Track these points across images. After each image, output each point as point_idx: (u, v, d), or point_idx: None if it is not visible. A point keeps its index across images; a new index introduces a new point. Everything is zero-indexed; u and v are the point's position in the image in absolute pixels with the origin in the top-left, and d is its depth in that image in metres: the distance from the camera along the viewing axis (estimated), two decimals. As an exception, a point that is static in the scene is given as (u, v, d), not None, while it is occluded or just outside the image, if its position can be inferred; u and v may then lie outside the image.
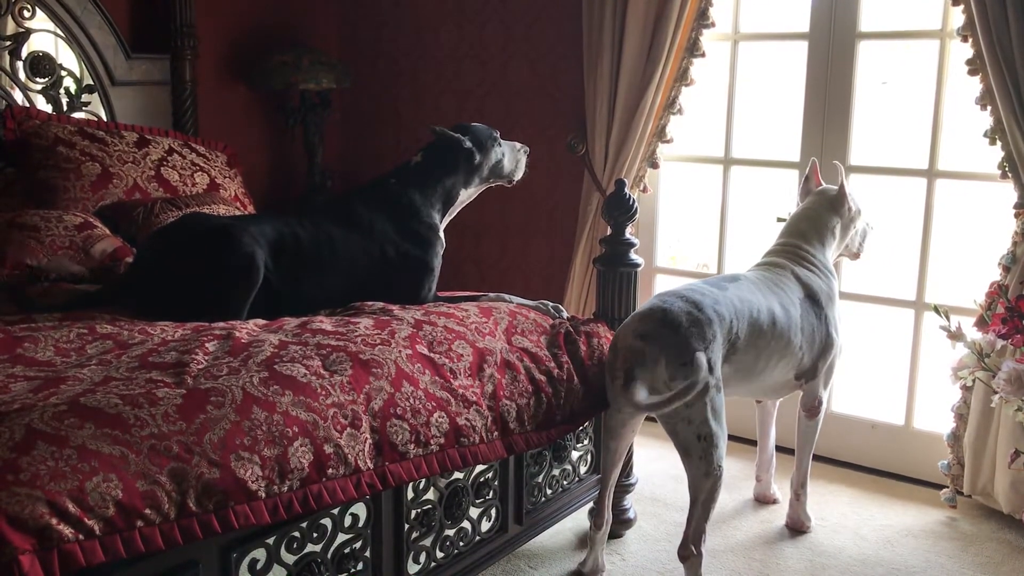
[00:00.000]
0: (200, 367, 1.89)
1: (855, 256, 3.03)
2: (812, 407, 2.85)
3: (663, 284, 3.89)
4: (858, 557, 2.80)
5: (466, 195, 2.82)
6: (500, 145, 2.82)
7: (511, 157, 2.84)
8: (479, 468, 2.31)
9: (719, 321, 2.40)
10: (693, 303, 2.39)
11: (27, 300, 2.47)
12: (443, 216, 2.78)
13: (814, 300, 2.72)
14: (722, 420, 2.37)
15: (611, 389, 2.47)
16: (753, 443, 3.41)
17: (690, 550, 2.38)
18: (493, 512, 2.40)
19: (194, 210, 3.07)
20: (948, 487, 3.10)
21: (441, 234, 2.77)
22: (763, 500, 3.15)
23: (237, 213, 3.26)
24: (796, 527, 2.95)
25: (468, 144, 2.73)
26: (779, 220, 3.42)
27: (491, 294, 2.78)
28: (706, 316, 2.37)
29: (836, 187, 2.90)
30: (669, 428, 2.38)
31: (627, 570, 2.70)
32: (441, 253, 2.75)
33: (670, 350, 2.31)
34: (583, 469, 2.75)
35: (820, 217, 2.88)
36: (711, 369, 2.33)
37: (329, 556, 1.94)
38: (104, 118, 3.53)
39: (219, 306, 2.36)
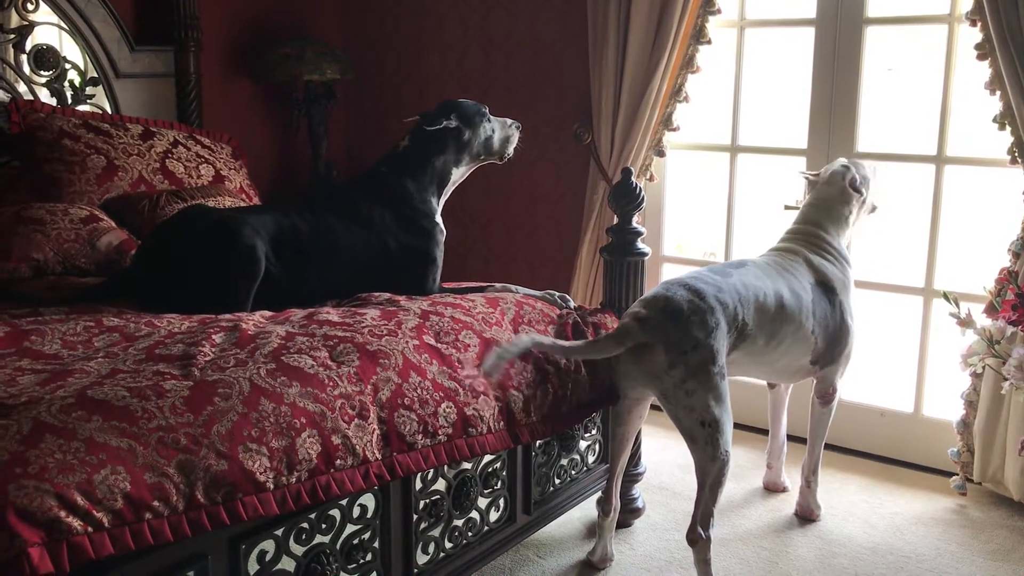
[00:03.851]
0: (207, 359, 1.89)
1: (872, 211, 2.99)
2: (826, 394, 2.84)
3: (670, 273, 3.88)
4: (868, 545, 2.79)
5: (459, 174, 2.80)
6: (489, 121, 2.79)
7: (501, 133, 2.81)
8: (487, 458, 2.31)
9: (722, 309, 2.39)
10: (696, 291, 2.39)
11: (23, 295, 2.47)
12: (439, 198, 2.77)
13: (827, 287, 2.71)
14: (726, 406, 2.36)
15: (615, 373, 2.49)
16: (762, 432, 3.41)
17: (698, 533, 2.39)
18: (501, 502, 2.39)
19: (198, 202, 3.07)
20: (958, 474, 3.09)
21: (439, 219, 2.75)
22: (773, 488, 3.14)
23: (242, 205, 3.26)
24: (806, 515, 2.94)
25: (454, 123, 2.71)
26: (787, 208, 3.41)
27: (497, 284, 2.76)
28: (708, 304, 2.37)
29: (847, 169, 2.86)
30: (672, 415, 2.38)
31: (635, 559, 2.70)
32: (443, 241, 2.74)
33: (671, 338, 2.32)
34: (591, 459, 2.74)
35: (832, 203, 2.84)
36: (714, 357, 2.32)
37: (338, 547, 1.94)
38: (109, 111, 3.52)
39: (222, 298, 2.36)
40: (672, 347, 2.31)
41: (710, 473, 2.37)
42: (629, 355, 2.40)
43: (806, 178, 2.98)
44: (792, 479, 3.12)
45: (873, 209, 2.97)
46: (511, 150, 2.86)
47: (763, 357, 2.59)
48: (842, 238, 2.85)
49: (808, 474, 2.93)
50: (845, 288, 2.76)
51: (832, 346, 2.73)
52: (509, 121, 2.85)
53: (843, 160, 2.93)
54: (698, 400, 2.32)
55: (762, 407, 3.17)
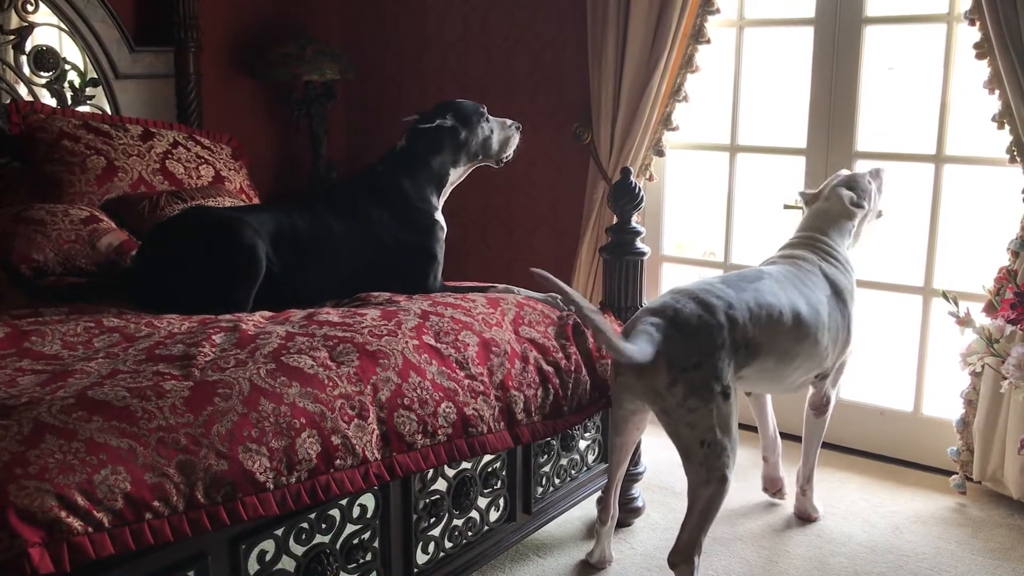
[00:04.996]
0: (207, 359, 1.89)
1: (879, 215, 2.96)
2: (820, 405, 2.82)
3: (669, 273, 3.88)
4: (867, 544, 2.79)
5: (456, 174, 2.78)
6: (488, 121, 2.77)
7: (500, 134, 2.79)
8: (487, 458, 2.32)
9: (731, 326, 2.28)
10: (707, 305, 2.28)
11: (35, 288, 2.48)
12: (439, 196, 2.76)
13: (840, 298, 2.64)
14: (730, 429, 2.25)
15: (614, 383, 2.44)
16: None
17: (679, 559, 2.25)
18: (501, 502, 2.40)
19: (198, 203, 3.07)
20: (957, 473, 3.09)
21: (439, 216, 2.74)
22: (771, 486, 3.05)
23: (242, 205, 3.26)
24: (804, 517, 2.94)
25: (450, 122, 2.70)
26: (786, 207, 3.41)
27: (499, 286, 2.76)
28: (718, 321, 2.26)
29: (848, 190, 2.82)
30: (672, 432, 2.28)
31: (635, 559, 2.70)
32: (443, 238, 2.74)
33: (674, 353, 2.23)
34: (591, 458, 2.74)
35: (836, 216, 2.78)
36: (718, 375, 2.23)
37: (338, 547, 1.95)
38: (109, 112, 3.52)
39: (222, 298, 2.36)
40: (674, 363, 2.21)
41: (701, 497, 2.25)
42: (631, 369, 2.31)
43: (803, 200, 2.90)
44: (788, 478, 3.11)
45: (880, 215, 2.93)
46: (511, 152, 2.84)
47: (774, 374, 2.49)
48: (846, 246, 2.79)
49: (803, 482, 2.92)
50: (852, 298, 2.69)
51: (837, 359, 2.68)
52: (509, 122, 2.83)
53: (844, 173, 2.89)
54: (701, 418, 2.21)
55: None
